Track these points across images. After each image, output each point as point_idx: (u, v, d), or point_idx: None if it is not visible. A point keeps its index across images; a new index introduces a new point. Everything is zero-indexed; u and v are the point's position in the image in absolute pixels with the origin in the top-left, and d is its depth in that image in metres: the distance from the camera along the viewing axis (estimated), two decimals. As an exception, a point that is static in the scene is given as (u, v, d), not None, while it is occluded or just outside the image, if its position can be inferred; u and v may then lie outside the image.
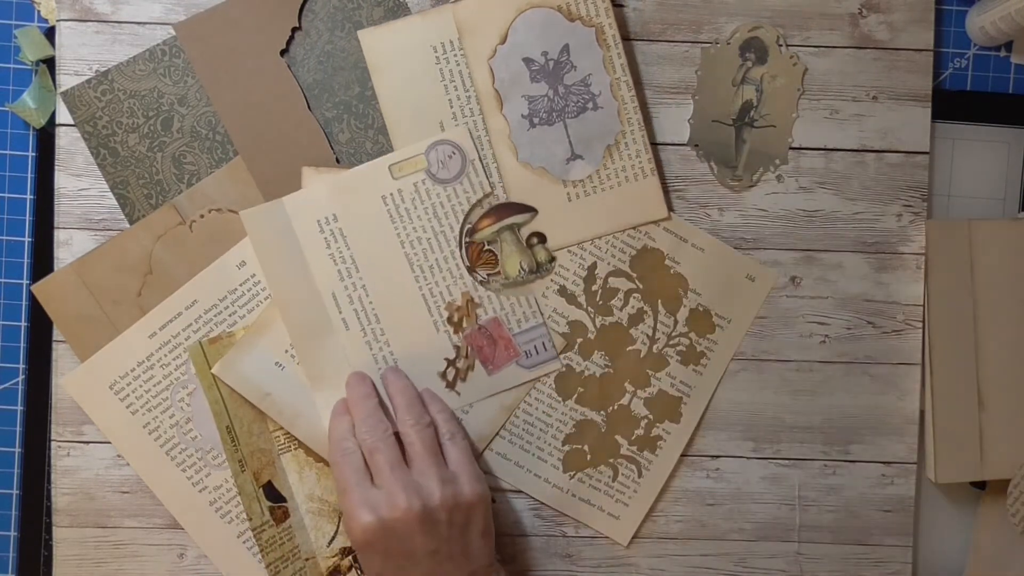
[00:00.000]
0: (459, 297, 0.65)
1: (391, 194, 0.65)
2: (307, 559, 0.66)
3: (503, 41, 0.66)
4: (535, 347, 0.66)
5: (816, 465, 0.68)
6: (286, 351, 0.65)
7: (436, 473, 0.60)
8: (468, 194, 0.65)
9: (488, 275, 0.65)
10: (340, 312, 0.65)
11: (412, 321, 0.65)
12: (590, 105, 0.66)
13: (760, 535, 0.68)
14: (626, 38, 0.67)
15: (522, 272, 0.65)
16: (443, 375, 0.66)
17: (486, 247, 0.65)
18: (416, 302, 0.65)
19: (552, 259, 0.66)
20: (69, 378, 0.65)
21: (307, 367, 0.64)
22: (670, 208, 0.67)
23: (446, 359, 0.66)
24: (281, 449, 0.66)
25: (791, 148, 0.68)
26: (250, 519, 0.64)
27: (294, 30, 0.66)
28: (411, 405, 0.63)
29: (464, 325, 0.65)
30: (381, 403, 0.63)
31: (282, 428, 0.65)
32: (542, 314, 0.66)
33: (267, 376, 0.64)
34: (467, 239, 0.65)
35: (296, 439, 0.65)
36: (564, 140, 0.66)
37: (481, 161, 0.65)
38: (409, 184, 0.65)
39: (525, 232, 0.66)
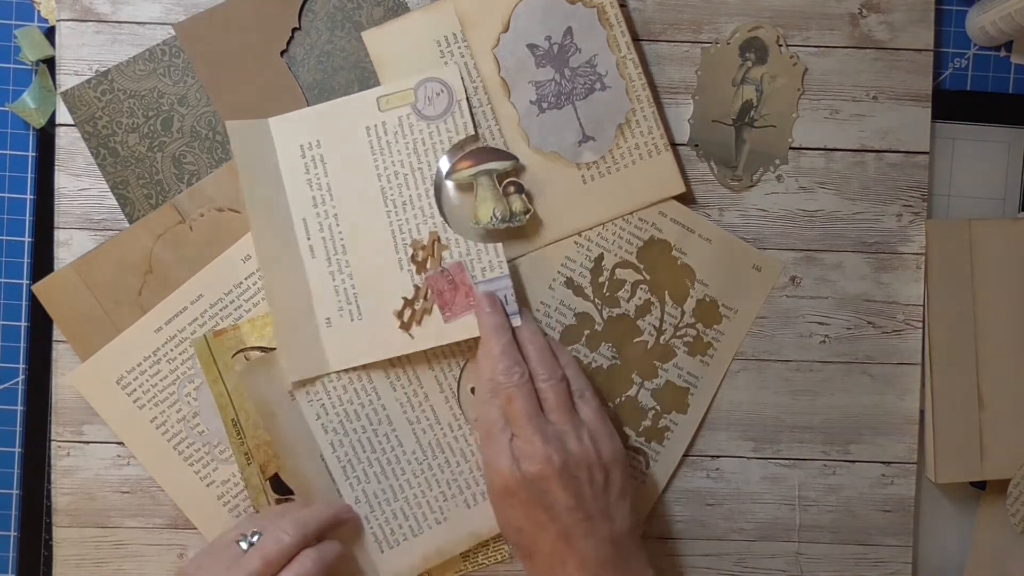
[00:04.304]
0: (426, 236, 0.65)
1: (375, 125, 0.65)
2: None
3: (506, 29, 0.66)
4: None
5: (816, 465, 0.68)
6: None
7: (573, 429, 0.58)
8: (451, 134, 0.65)
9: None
10: (308, 238, 0.64)
11: (377, 255, 0.64)
12: (598, 85, 0.66)
13: (760, 535, 0.68)
14: (626, 38, 0.67)
15: (494, 219, 0.64)
16: (399, 314, 0.64)
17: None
18: (384, 237, 0.64)
19: (528, 211, 0.64)
20: (75, 373, 0.65)
21: (268, 288, 0.64)
22: (687, 183, 0.67)
23: (404, 298, 0.64)
24: (282, 448, 0.66)
25: (791, 148, 0.68)
26: (257, 511, 0.64)
27: (294, 30, 0.66)
28: (543, 357, 0.60)
29: (428, 266, 0.64)
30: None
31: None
32: (507, 266, 0.64)
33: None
34: (445, 179, 0.64)
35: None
36: (574, 123, 0.66)
37: (469, 103, 0.65)
38: (394, 117, 0.65)
39: (505, 181, 0.65)
